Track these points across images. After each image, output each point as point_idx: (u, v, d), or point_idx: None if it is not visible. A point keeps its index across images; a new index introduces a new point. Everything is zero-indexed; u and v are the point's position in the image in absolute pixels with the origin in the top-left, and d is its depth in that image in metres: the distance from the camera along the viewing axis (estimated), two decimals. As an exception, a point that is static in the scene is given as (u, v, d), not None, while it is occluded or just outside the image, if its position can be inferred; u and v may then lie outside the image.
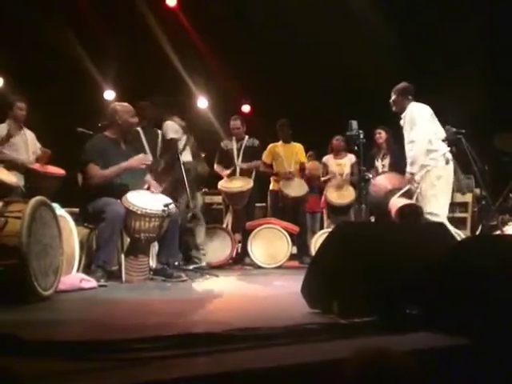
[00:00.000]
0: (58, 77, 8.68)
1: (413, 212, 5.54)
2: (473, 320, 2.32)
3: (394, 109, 5.65)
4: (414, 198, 5.38)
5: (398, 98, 5.59)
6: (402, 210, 5.31)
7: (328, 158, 7.78)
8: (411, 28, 8.34)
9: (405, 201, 5.46)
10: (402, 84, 5.65)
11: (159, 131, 6.41)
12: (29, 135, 6.17)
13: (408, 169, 5.43)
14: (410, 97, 5.56)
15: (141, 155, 5.13)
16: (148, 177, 5.29)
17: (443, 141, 5.40)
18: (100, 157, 4.98)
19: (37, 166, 5.91)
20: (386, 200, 5.62)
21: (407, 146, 5.47)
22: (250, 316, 3.11)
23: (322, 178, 7.81)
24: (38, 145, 6.28)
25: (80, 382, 1.73)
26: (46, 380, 1.74)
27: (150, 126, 6.38)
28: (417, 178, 5.34)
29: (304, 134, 7.86)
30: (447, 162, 5.31)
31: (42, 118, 6.69)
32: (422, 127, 5.33)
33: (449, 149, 5.30)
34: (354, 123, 5.37)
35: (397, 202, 5.44)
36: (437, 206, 5.16)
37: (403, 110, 5.58)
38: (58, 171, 6.05)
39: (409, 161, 5.43)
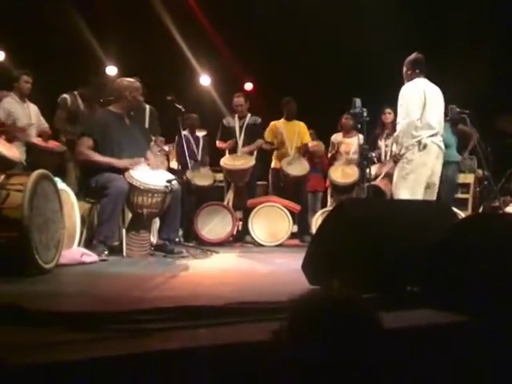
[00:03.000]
0: (59, 52, 8.64)
1: (374, 192, 5.98)
2: (473, 297, 2.33)
3: (405, 82, 5.27)
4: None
5: (406, 72, 5.24)
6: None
7: (336, 136, 7.75)
8: (418, 4, 8.25)
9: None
10: (412, 55, 5.28)
11: (147, 106, 6.36)
12: (32, 109, 6.16)
13: (393, 148, 5.31)
14: (417, 70, 5.18)
15: (136, 160, 4.99)
16: (148, 153, 5.28)
17: (446, 120, 5.31)
18: (101, 131, 4.97)
19: (38, 141, 5.90)
20: None
21: (397, 126, 5.21)
22: (250, 291, 3.12)
23: (329, 154, 7.79)
24: (42, 120, 6.27)
25: (81, 351, 1.73)
26: (47, 350, 1.75)
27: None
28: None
29: (307, 113, 7.82)
30: (423, 147, 5.00)
31: (43, 93, 6.66)
32: (408, 108, 5.04)
33: (432, 133, 5.03)
34: (358, 101, 5.27)
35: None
36: (407, 189, 4.98)
37: None
38: (60, 147, 6.04)
39: (393, 141, 5.28)
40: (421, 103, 5.04)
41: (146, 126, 6.25)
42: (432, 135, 5.05)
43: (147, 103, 6.35)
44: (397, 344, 2.06)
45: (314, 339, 1.30)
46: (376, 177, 6.62)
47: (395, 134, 5.17)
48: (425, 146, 5.00)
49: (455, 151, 6.90)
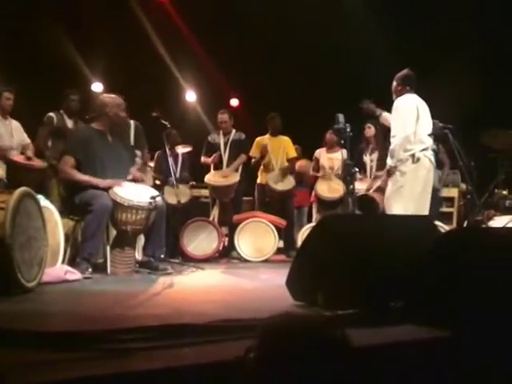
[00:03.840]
0: (44, 68, 8.62)
1: (368, 202, 6.08)
2: (456, 312, 2.34)
3: (394, 97, 5.39)
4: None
5: (397, 87, 5.36)
6: (359, 200, 5.89)
7: (320, 152, 7.78)
8: (402, 21, 8.34)
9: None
10: (404, 71, 5.40)
11: (132, 121, 6.35)
12: (14, 125, 6.12)
13: (388, 161, 5.38)
14: (408, 87, 5.32)
15: (118, 181, 4.92)
16: (132, 169, 5.27)
17: (429, 135, 5.38)
18: (83, 148, 4.96)
19: (19, 158, 5.86)
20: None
21: (391, 139, 5.34)
22: (234, 308, 3.11)
23: (311, 173, 7.80)
24: (25, 136, 6.24)
25: (63, 372, 1.72)
26: (29, 370, 1.73)
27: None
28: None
29: (293, 128, 7.85)
30: (417, 160, 5.15)
31: (27, 109, 6.64)
32: (404, 123, 5.17)
33: (424, 147, 5.17)
34: (341, 116, 5.30)
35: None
36: (400, 202, 5.07)
37: None
38: (41, 164, 6.00)
39: (389, 154, 5.34)
40: (415, 118, 5.18)
41: (132, 141, 6.25)
42: (424, 149, 5.20)
43: (132, 119, 6.35)
44: (378, 361, 2.07)
45: (283, 361, 1.30)
46: (367, 190, 6.66)
47: (391, 147, 5.27)
48: (418, 160, 5.15)
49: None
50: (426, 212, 5.19)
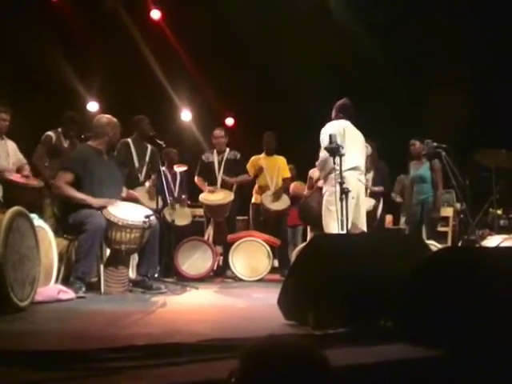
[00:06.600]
0: (40, 88, 8.67)
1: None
2: (446, 331, 2.34)
3: None
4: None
5: (332, 115, 5.49)
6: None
7: (314, 171, 7.78)
8: (396, 39, 8.42)
9: None
10: (341, 101, 5.55)
11: (149, 145, 6.43)
12: (10, 145, 6.13)
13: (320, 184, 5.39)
14: (341, 114, 5.45)
15: (111, 201, 4.97)
16: (124, 188, 5.33)
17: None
18: (82, 165, 4.98)
19: (16, 177, 5.87)
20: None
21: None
22: (225, 327, 3.11)
23: (307, 192, 7.81)
24: (21, 156, 6.25)
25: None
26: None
27: (141, 139, 6.48)
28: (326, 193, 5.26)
29: (288, 148, 7.88)
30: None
31: (23, 128, 6.66)
32: (324, 146, 5.18)
33: (350, 167, 5.12)
34: (334, 136, 5.34)
35: None
36: (334, 221, 4.94)
37: None
38: (37, 183, 6.01)
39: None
40: (342, 137, 5.15)
41: (146, 163, 6.43)
42: (350, 169, 5.12)
43: (150, 144, 6.41)
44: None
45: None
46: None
47: (317, 163, 5.32)
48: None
49: (430, 186, 7.00)
50: (364, 228, 5.24)
